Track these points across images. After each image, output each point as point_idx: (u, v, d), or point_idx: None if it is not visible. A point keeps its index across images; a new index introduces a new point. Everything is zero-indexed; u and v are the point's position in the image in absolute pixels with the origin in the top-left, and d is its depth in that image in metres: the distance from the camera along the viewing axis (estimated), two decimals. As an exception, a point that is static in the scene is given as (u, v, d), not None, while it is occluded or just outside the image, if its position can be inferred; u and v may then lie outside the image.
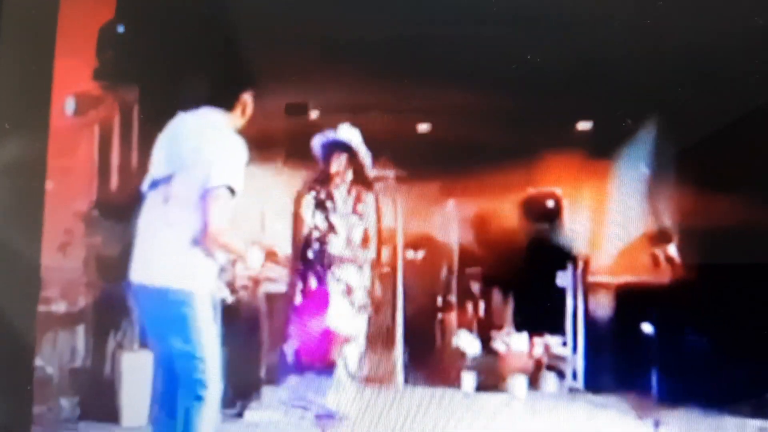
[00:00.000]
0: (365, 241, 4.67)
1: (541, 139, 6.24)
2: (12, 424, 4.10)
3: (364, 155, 4.74)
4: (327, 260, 4.61)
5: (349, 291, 4.61)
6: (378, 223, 4.80)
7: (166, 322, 4.00)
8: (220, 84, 4.36)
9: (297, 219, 4.72)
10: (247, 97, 4.30)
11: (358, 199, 4.71)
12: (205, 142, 4.05)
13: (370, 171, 4.78)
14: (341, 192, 4.71)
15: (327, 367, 4.60)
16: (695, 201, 6.06)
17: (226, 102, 4.23)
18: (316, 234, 4.64)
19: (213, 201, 3.92)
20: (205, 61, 4.97)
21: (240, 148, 4.07)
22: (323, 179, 4.73)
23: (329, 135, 4.73)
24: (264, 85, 4.66)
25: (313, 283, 4.62)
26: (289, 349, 4.61)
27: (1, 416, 4.08)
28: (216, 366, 4.01)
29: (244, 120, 4.29)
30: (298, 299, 4.62)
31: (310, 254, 4.63)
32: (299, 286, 4.63)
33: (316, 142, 4.75)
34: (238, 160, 4.04)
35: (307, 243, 4.64)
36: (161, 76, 5.33)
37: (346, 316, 4.58)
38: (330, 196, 4.68)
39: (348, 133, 4.76)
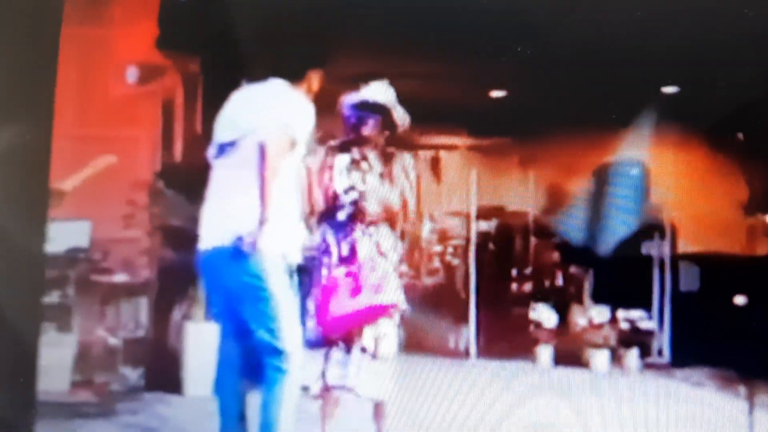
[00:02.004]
0: (403, 206, 4.45)
1: (624, 105, 6.01)
2: (14, 418, 4.08)
3: (399, 115, 4.48)
4: (361, 224, 4.41)
5: (382, 254, 4.40)
6: (417, 188, 4.56)
7: (237, 287, 3.91)
8: (288, 59, 4.30)
9: (326, 180, 4.52)
10: (314, 75, 4.25)
11: (392, 162, 4.47)
12: (273, 106, 4.01)
13: (407, 132, 4.52)
14: (375, 154, 4.48)
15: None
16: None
17: (293, 76, 4.18)
18: (350, 196, 4.43)
19: (272, 143, 3.88)
20: (274, 33, 4.92)
21: (306, 106, 4.06)
22: (356, 141, 4.50)
23: (358, 95, 4.48)
24: (333, 60, 4.55)
25: (345, 249, 4.43)
26: (321, 322, 4.43)
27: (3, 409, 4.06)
28: (296, 335, 3.91)
29: (310, 96, 4.24)
30: (333, 268, 4.43)
31: (342, 217, 4.42)
32: (334, 253, 4.45)
33: (346, 102, 4.51)
34: (301, 115, 4.02)
35: (338, 205, 4.44)
36: (225, 46, 5.27)
37: (391, 282, 4.37)
38: (364, 157, 4.47)
39: (379, 92, 4.49)
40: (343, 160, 4.43)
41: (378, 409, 4.41)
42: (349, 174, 4.41)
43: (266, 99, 4.08)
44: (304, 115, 4.07)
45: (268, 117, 3.96)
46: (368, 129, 4.43)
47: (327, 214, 4.43)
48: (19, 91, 4.17)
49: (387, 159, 4.44)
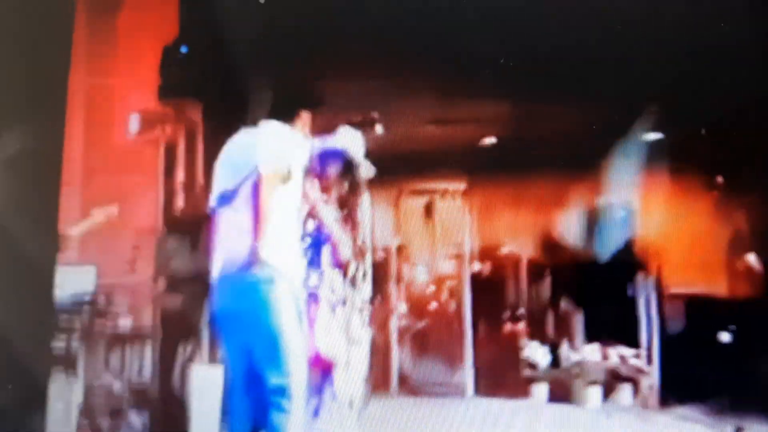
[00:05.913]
0: (360, 253, 4.53)
1: (610, 148, 6.15)
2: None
3: (362, 164, 4.57)
4: (318, 271, 4.49)
5: (337, 306, 4.47)
6: (372, 235, 4.66)
7: (246, 318, 3.95)
8: (279, 100, 4.41)
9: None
10: (306, 114, 4.35)
11: (352, 210, 4.55)
12: (268, 143, 4.12)
13: (365, 180, 4.60)
14: (334, 202, 4.57)
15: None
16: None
17: (286, 116, 4.28)
18: (306, 243, 4.51)
19: (267, 178, 3.95)
20: (267, 77, 5.03)
21: (299, 138, 4.15)
22: (321, 188, 4.59)
23: (326, 142, 4.56)
24: (326, 102, 4.66)
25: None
26: None
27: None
28: (302, 375, 3.94)
29: (305, 134, 4.33)
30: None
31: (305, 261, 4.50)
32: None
33: (315, 147, 4.58)
34: (295, 146, 4.11)
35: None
36: (225, 94, 5.38)
37: (335, 336, 4.42)
38: (325, 205, 4.55)
39: (346, 139, 4.58)
40: (305, 208, 4.53)
41: None
42: (306, 221, 4.52)
43: (261, 139, 4.18)
44: (298, 146, 4.15)
45: (264, 153, 4.05)
46: (331, 176, 4.52)
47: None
48: (31, 95, 4.23)
49: (344, 205, 4.52)
